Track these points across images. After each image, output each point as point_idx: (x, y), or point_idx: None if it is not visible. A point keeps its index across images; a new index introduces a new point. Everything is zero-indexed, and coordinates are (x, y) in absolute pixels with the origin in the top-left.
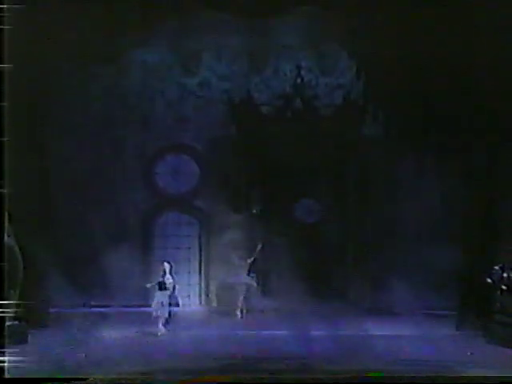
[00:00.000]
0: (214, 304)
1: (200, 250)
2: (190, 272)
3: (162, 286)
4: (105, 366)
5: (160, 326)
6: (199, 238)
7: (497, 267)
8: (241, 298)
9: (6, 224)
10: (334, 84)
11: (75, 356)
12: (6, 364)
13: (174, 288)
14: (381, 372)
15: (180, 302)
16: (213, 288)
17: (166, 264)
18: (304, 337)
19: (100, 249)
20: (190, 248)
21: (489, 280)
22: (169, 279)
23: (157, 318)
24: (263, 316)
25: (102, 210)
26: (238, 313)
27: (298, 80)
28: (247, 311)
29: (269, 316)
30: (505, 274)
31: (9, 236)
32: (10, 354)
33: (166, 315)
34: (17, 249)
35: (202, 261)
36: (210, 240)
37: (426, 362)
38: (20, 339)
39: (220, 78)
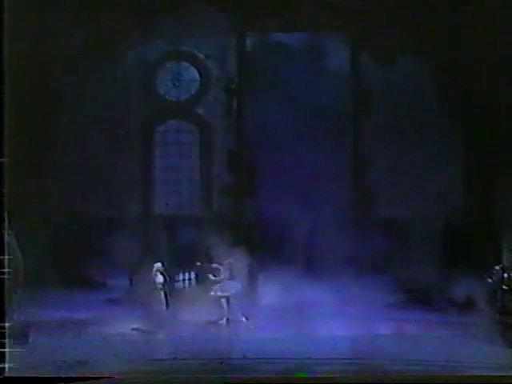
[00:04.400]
0: (215, 210)
1: (200, 158)
2: (191, 180)
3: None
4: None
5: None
6: (200, 145)
7: (497, 267)
8: (225, 308)
9: (7, 223)
10: None
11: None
12: (6, 363)
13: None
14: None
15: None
16: (214, 195)
17: (158, 264)
18: None
19: (100, 157)
20: (190, 156)
21: (489, 280)
22: (160, 279)
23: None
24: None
25: (102, 117)
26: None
27: None
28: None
29: None
30: (505, 274)
31: (9, 235)
32: (11, 354)
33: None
34: (17, 249)
35: (203, 168)
36: (211, 148)
37: (426, 362)
38: (21, 339)
39: None
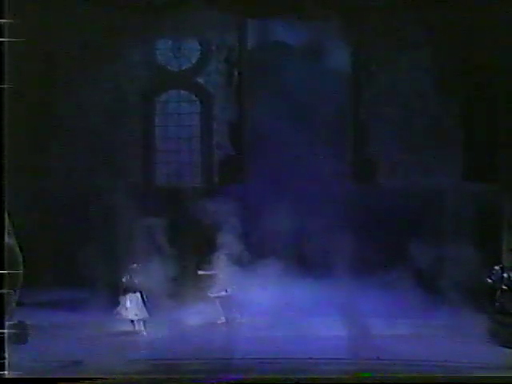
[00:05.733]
0: (216, 180)
1: (201, 128)
2: (192, 150)
3: (132, 288)
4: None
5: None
6: (200, 115)
7: (497, 267)
8: (223, 308)
9: (6, 223)
10: None
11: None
12: (6, 364)
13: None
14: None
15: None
16: (215, 166)
17: (134, 265)
18: None
19: (99, 126)
20: (190, 126)
21: (489, 280)
22: (135, 280)
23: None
24: None
25: (102, 87)
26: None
27: None
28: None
29: None
30: (505, 274)
31: (9, 235)
32: (10, 354)
33: (146, 315)
34: (17, 249)
35: (204, 139)
36: (212, 118)
37: (426, 362)
38: (20, 339)
39: None
